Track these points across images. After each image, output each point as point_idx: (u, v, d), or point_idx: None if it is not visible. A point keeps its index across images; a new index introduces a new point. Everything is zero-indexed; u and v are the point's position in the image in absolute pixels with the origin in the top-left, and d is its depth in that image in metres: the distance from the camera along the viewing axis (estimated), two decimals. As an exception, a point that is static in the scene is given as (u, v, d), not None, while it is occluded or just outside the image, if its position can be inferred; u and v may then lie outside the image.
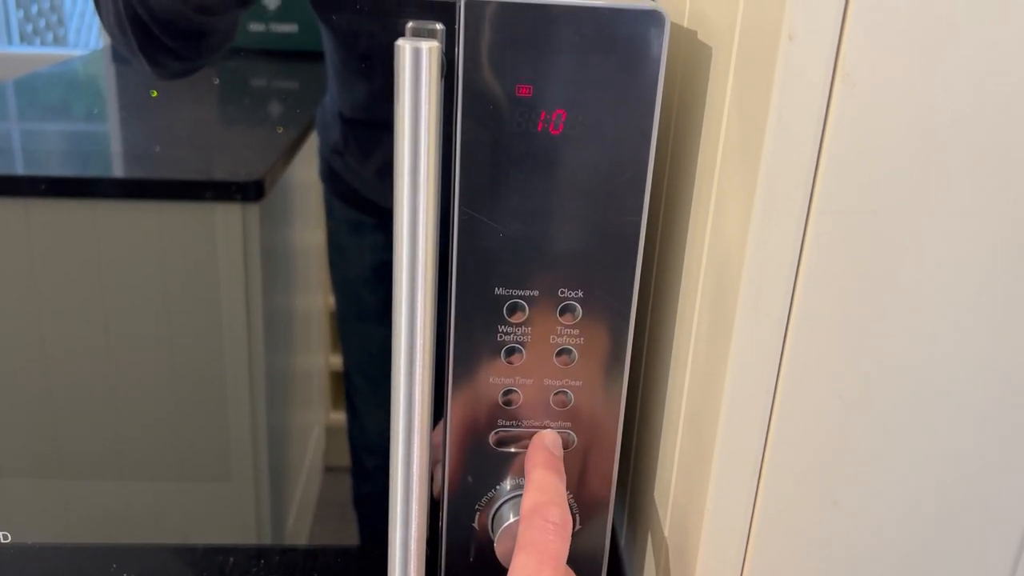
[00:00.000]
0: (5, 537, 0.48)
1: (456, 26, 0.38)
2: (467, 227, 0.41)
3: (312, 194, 0.48)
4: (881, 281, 0.35)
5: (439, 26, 0.39)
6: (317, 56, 0.44)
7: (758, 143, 0.33)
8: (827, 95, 0.32)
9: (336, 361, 0.52)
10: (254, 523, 0.54)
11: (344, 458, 0.53)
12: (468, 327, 0.43)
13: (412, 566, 0.43)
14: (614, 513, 0.47)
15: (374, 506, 0.53)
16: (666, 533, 0.45)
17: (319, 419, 0.52)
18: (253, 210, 0.47)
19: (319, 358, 0.51)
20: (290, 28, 0.44)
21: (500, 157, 0.40)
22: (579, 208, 0.41)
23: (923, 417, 0.37)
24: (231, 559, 0.53)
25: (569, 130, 0.40)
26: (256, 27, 0.44)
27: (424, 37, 0.38)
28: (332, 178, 0.46)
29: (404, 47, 0.35)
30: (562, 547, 0.38)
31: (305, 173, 0.47)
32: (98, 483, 0.52)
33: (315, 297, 0.50)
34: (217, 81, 0.45)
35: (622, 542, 0.55)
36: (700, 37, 0.42)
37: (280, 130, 0.46)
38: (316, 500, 0.53)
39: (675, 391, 0.44)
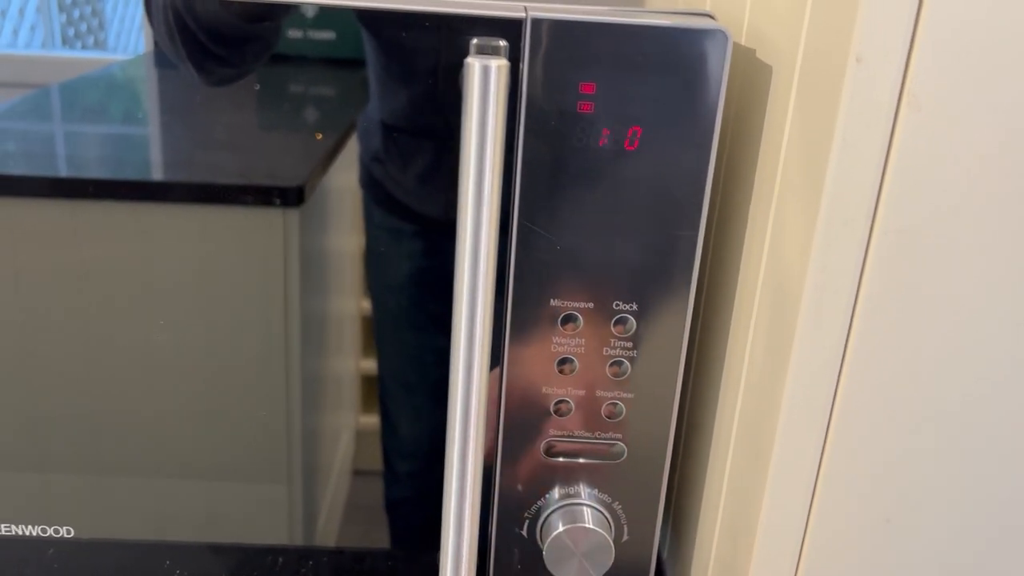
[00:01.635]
0: (69, 532, 0.49)
1: (521, 43, 0.39)
2: (525, 239, 0.42)
3: (347, 200, 0.48)
4: (942, 302, 0.35)
5: (503, 43, 0.40)
6: (354, 63, 0.45)
7: (822, 163, 0.34)
8: (893, 117, 0.33)
9: (367, 366, 0.52)
10: (286, 524, 0.54)
11: (373, 462, 0.53)
12: (523, 337, 0.44)
13: (463, 574, 0.44)
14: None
15: (406, 511, 0.54)
16: (714, 547, 0.46)
17: (349, 423, 0.53)
18: (293, 215, 0.48)
19: (351, 362, 0.52)
20: (328, 35, 0.45)
21: (560, 171, 0.41)
22: (636, 223, 0.42)
23: (979, 437, 0.37)
24: (280, 559, 0.54)
25: (629, 146, 0.40)
26: (295, 34, 0.45)
27: (489, 53, 0.39)
28: (372, 185, 0.47)
29: (474, 64, 0.36)
30: None
31: (341, 179, 0.47)
32: (147, 481, 0.53)
33: (348, 302, 0.50)
34: (258, 87, 0.46)
35: (664, 554, 0.56)
36: (759, 56, 0.43)
37: (319, 136, 0.47)
38: (344, 503, 0.54)
39: (726, 406, 0.45)
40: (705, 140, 0.41)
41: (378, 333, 0.51)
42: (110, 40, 0.48)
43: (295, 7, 0.44)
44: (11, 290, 0.48)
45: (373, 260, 0.49)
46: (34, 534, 0.49)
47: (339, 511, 0.54)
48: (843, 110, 0.33)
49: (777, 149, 0.39)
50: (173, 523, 0.53)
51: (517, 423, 0.46)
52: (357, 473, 0.54)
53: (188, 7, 0.42)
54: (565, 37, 0.39)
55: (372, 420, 0.53)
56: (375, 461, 0.53)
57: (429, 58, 0.42)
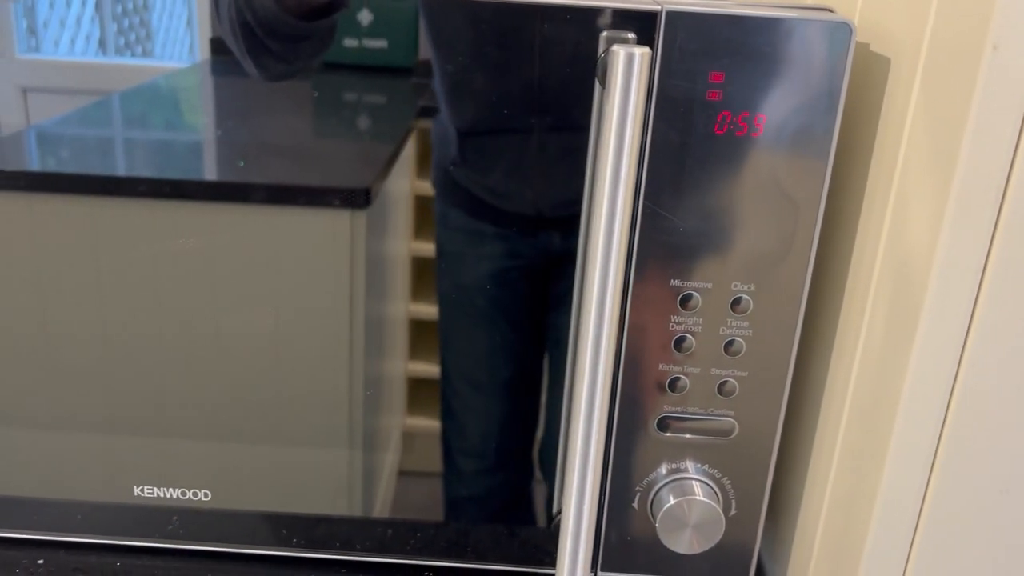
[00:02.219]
0: (207, 496, 0.52)
1: (656, 34, 0.41)
2: (649, 221, 0.44)
3: (400, 205, 0.50)
4: (1064, 281, 0.37)
5: (631, 35, 0.42)
6: (406, 71, 0.47)
7: (953, 150, 0.36)
8: (1026, 103, 0.34)
9: (414, 368, 0.54)
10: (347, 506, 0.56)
11: (419, 463, 0.55)
12: (643, 315, 0.46)
13: (583, 542, 0.46)
14: (767, 500, 0.49)
15: (470, 510, 0.55)
16: (821, 520, 0.47)
17: (398, 424, 0.55)
18: (361, 216, 0.50)
19: (399, 365, 0.54)
20: (381, 44, 0.47)
21: (686, 156, 0.43)
22: (757, 206, 0.44)
23: (1098, 413, 0.38)
24: (389, 531, 0.56)
25: (754, 133, 0.42)
26: (350, 43, 0.46)
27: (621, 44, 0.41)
28: (450, 189, 0.48)
29: (619, 52, 0.38)
30: None
31: (398, 184, 0.49)
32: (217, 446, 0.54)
33: (399, 304, 0.52)
34: (316, 94, 0.47)
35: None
36: (874, 48, 0.45)
37: (376, 142, 0.49)
38: (391, 504, 0.55)
39: (836, 383, 0.46)
40: (827, 129, 0.43)
41: (446, 333, 0.52)
42: (156, 49, 0.50)
43: (344, 6, 0.45)
44: (114, 280, 0.50)
45: (446, 262, 0.50)
46: (173, 496, 0.52)
47: (387, 511, 0.55)
48: (977, 97, 0.34)
49: (897, 137, 0.41)
50: (245, 491, 0.55)
51: (633, 399, 0.48)
52: (403, 474, 0.55)
53: (248, 3, 0.44)
54: (697, 29, 0.41)
55: (418, 423, 0.54)
56: (421, 463, 0.55)
57: (515, 63, 0.43)
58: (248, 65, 0.46)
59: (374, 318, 0.52)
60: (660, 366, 0.47)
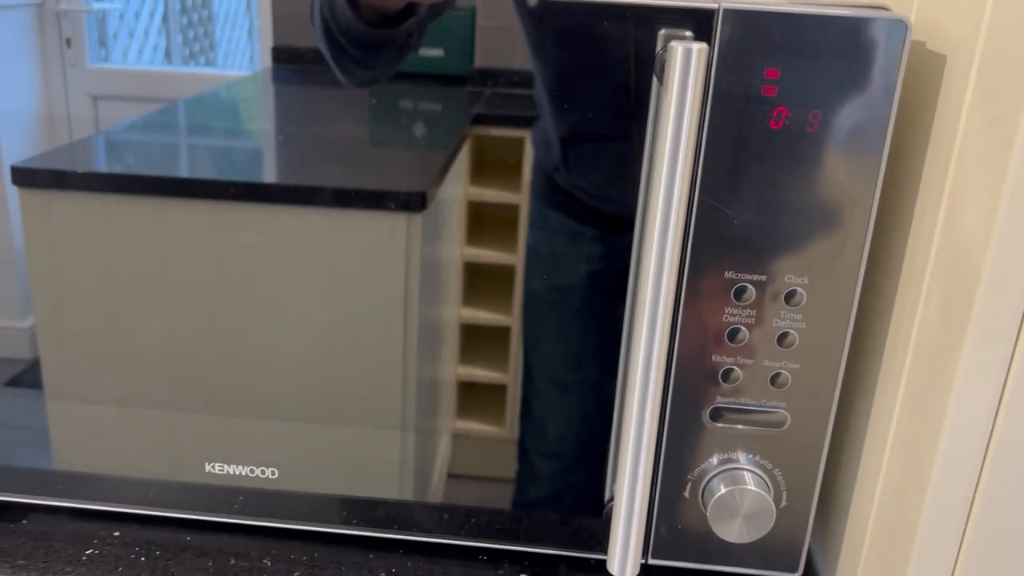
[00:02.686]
0: (274, 473, 0.54)
1: (713, 31, 0.43)
2: (705, 214, 0.45)
3: (454, 211, 0.51)
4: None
5: (688, 33, 0.44)
6: (461, 79, 0.48)
7: (1007, 143, 0.36)
8: (1082, 95, 0.35)
9: (464, 372, 0.55)
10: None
11: (468, 467, 0.56)
12: (697, 306, 0.47)
13: (634, 528, 0.47)
14: (819, 492, 0.50)
15: (543, 511, 0.55)
16: (874, 507, 0.48)
17: (448, 426, 0.56)
18: (416, 219, 0.51)
19: (450, 368, 0.55)
20: (437, 52, 0.48)
21: (741, 151, 0.44)
22: (811, 201, 0.45)
23: None
24: (444, 516, 0.58)
25: (809, 128, 0.43)
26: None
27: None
28: (552, 193, 0.49)
29: (677, 48, 0.40)
30: None
31: (452, 190, 0.50)
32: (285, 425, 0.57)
33: (451, 308, 0.53)
34: (374, 102, 0.49)
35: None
36: (929, 47, 0.45)
37: (431, 149, 0.50)
38: (439, 505, 0.56)
39: (890, 378, 0.47)
40: (880, 124, 0.43)
41: (534, 334, 0.52)
42: (219, 59, 0.52)
43: (412, 17, 0.47)
44: (191, 275, 0.53)
45: (540, 263, 0.50)
46: (242, 473, 0.55)
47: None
48: (1032, 89, 0.35)
49: (952, 132, 0.42)
50: (308, 472, 0.57)
51: (686, 389, 0.49)
52: (452, 476, 0.56)
53: (332, 13, 0.47)
54: (754, 26, 0.42)
55: (467, 425, 0.55)
56: (470, 466, 0.56)
57: (616, 72, 0.45)
58: (335, 71, 0.48)
59: (426, 318, 0.53)
60: (714, 357, 0.48)
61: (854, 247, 0.45)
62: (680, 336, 0.48)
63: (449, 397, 0.55)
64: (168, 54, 0.53)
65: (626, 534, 0.48)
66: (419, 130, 0.50)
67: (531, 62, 0.46)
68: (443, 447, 0.56)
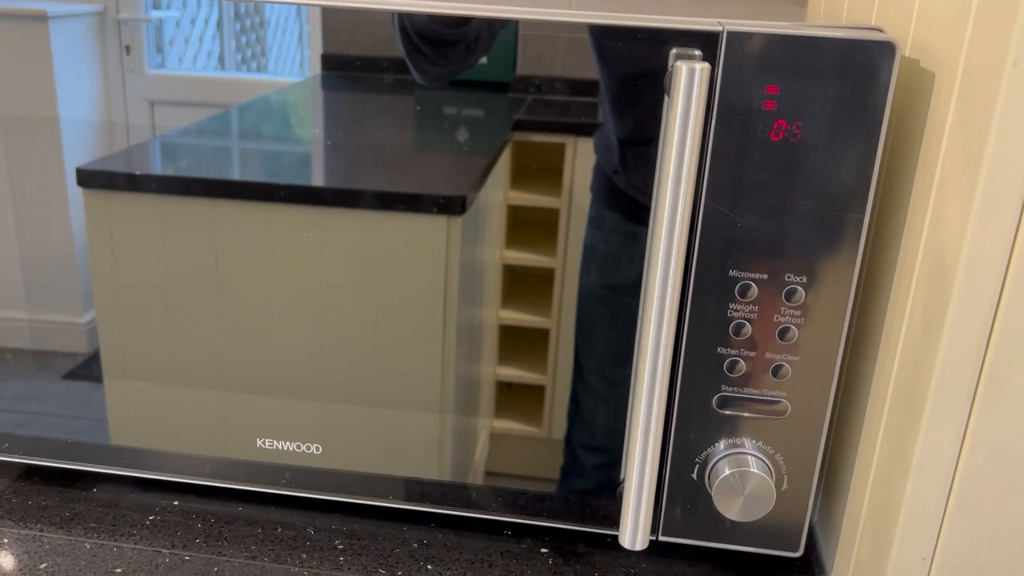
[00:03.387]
0: (319, 449, 0.60)
1: (718, 51, 0.47)
2: (710, 217, 0.50)
3: (494, 215, 0.53)
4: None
5: (698, 52, 0.48)
6: (504, 86, 0.50)
7: (979, 156, 0.40)
8: (1045, 113, 0.38)
9: (503, 372, 0.57)
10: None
11: (505, 465, 0.59)
12: (703, 302, 0.51)
13: (643, 507, 0.51)
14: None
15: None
16: (868, 491, 0.52)
17: (485, 425, 0.58)
18: (456, 223, 0.53)
19: (489, 368, 0.57)
20: (481, 60, 0.50)
21: (744, 159, 0.48)
22: (809, 206, 0.49)
23: (1120, 398, 0.42)
24: (473, 494, 0.62)
25: (806, 139, 0.47)
26: None
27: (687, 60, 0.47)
28: (611, 194, 0.52)
29: (681, 67, 0.44)
30: None
31: (493, 195, 0.53)
32: (327, 406, 0.62)
33: (490, 310, 0.55)
34: (419, 108, 0.51)
35: (815, 511, 0.62)
36: (923, 64, 0.49)
37: (472, 154, 0.51)
38: None
39: (883, 369, 0.51)
40: (873, 137, 0.47)
41: (587, 330, 0.54)
42: (270, 65, 0.54)
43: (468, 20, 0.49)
44: (248, 269, 0.57)
45: (599, 261, 0.53)
46: (289, 448, 0.60)
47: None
48: (999, 110, 0.39)
49: (938, 145, 0.45)
50: (350, 449, 0.62)
51: (694, 378, 0.53)
52: (489, 474, 0.59)
53: (408, 14, 0.50)
54: (755, 46, 0.46)
55: (505, 424, 0.58)
56: (507, 465, 0.59)
57: (651, 78, 0.48)
58: (411, 68, 0.51)
59: (466, 317, 0.56)
60: (719, 349, 0.52)
61: (849, 250, 0.49)
62: (688, 329, 0.52)
63: (488, 396, 0.58)
64: (222, 60, 0.54)
65: (636, 510, 0.52)
66: (461, 136, 0.52)
67: (597, 70, 0.49)
68: (481, 445, 0.59)
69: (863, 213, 0.48)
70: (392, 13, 0.50)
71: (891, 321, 0.50)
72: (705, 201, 0.49)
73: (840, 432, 0.58)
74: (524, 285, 0.56)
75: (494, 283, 0.56)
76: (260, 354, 0.59)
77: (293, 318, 0.58)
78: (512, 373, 0.57)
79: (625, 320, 0.54)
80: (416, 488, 0.60)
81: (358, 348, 0.58)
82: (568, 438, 0.58)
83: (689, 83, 0.44)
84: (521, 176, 0.53)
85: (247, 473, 0.61)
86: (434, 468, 0.60)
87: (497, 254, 0.55)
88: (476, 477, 0.60)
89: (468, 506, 0.60)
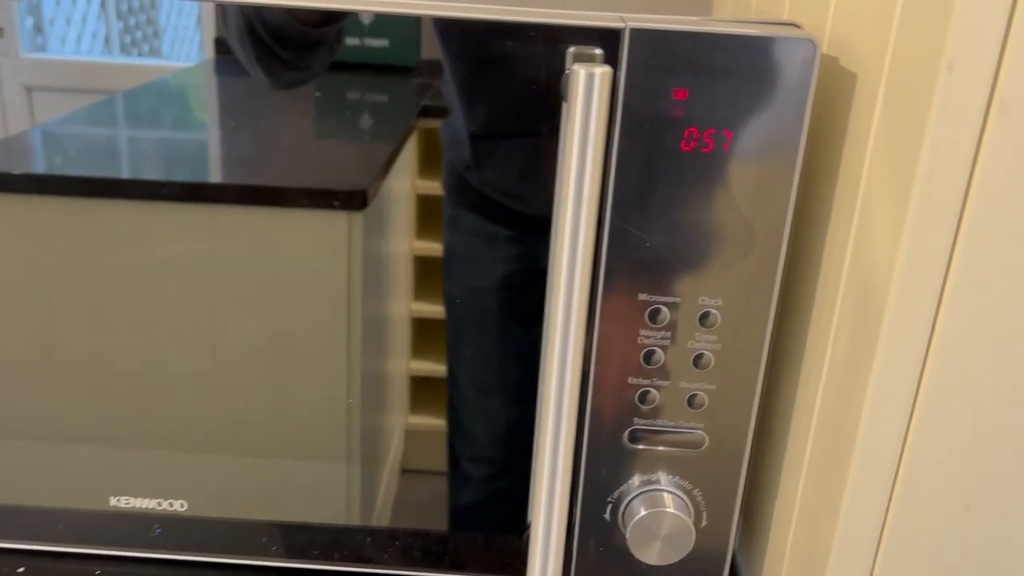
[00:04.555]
0: (183, 506, 0.53)
1: (620, 51, 0.41)
2: (616, 236, 0.44)
3: (401, 206, 0.50)
4: (1020, 301, 0.37)
5: (599, 51, 0.43)
6: (407, 71, 0.47)
7: (911, 166, 0.36)
8: (982, 123, 0.34)
9: (416, 367, 0.54)
10: (344, 509, 0.56)
11: (422, 461, 0.55)
12: (612, 329, 0.46)
13: (552, 554, 0.46)
14: (739, 512, 0.50)
15: (477, 514, 0.55)
16: (791, 532, 0.48)
17: (400, 423, 0.55)
18: (357, 218, 0.50)
19: (402, 364, 0.54)
20: (382, 43, 0.46)
21: (651, 172, 0.43)
22: (723, 222, 0.44)
23: (1059, 430, 0.38)
24: (368, 538, 0.57)
25: (718, 149, 0.42)
26: (352, 42, 0.46)
27: (586, 61, 0.41)
28: (463, 191, 0.48)
29: (579, 72, 0.38)
30: None
31: (400, 184, 0.49)
32: (217, 458, 0.54)
33: (400, 304, 0.52)
34: (318, 94, 0.47)
35: (735, 543, 0.58)
36: (843, 63, 0.45)
37: (376, 142, 0.48)
38: (394, 500, 0.55)
39: (806, 396, 0.47)
40: (792, 144, 0.43)
41: (455, 338, 0.51)
42: (164, 48, 0.50)
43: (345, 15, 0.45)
44: (101, 283, 0.51)
45: (456, 265, 0.49)
46: (150, 507, 0.53)
47: (388, 507, 0.55)
48: (933, 116, 0.35)
49: (862, 152, 0.41)
50: (234, 501, 0.55)
51: (603, 412, 0.48)
52: (405, 472, 0.56)
53: (257, 12, 0.44)
54: (660, 45, 0.41)
55: (421, 421, 0.55)
56: (424, 460, 0.55)
57: (530, 67, 0.44)
58: (257, 73, 0.46)
59: (373, 318, 0.52)
60: (630, 379, 0.47)
61: (768, 269, 0.45)
62: (596, 359, 0.47)
63: (402, 393, 0.54)
64: (108, 42, 0.50)
65: (544, 558, 0.47)
66: (363, 124, 0.48)
67: (441, 54, 0.44)
68: (395, 444, 0.55)
69: (782, 228, 0.44)
70: (227, 15, 0.43)
71: (813, 346, 0.46)
72: (610, 219, 0.44)
73: (759, 464, 0.54)
74: (436, 276, 0.51)
75: (405, 276, 0.51)
76: (130, 388, 0.52)
77: (170, 341, 0.51)
78: (426, 367, 0.54)
79: (491, 327, 0.50)
80: (304, 537, 0.54)
81: (248, 371, 0.52)
82: (451, 450, 0.54)
83: (588, 89, 0.38)
84: (429, 164, 0.49)
85: (105, 533, 0.54)
86: (343, 503, 0.55)
87: (407, 246, 0.51)
88: (392, 478, 0.55)
89: (359, 559, 0.54)
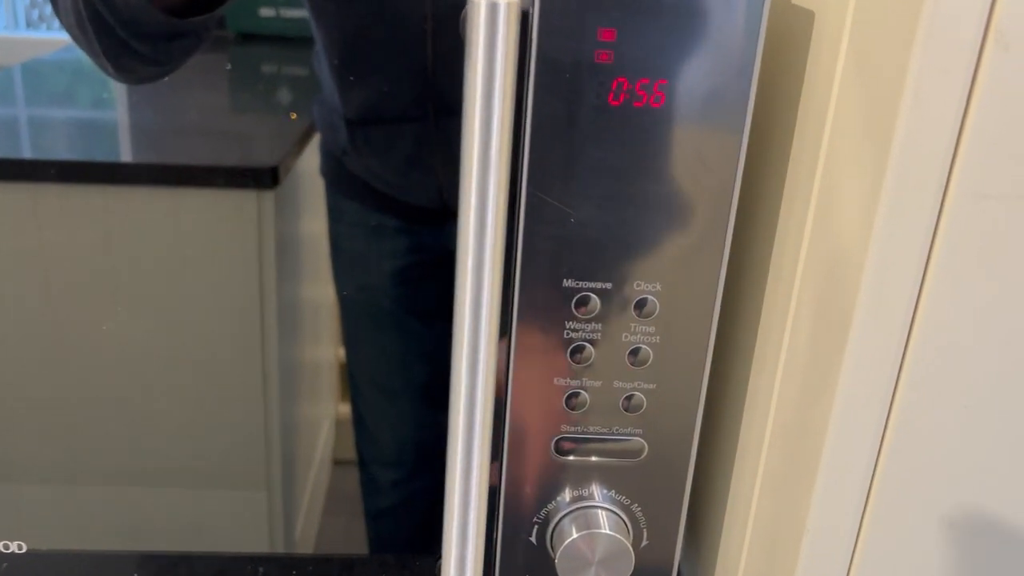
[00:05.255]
0: (20, 547, 0.44)
1: (532, -17, 0.34)
2: (535, 211, 0.37)
3: (318, 184, 0.47)
4: (1019, 280, 0.30)
5: (507, -17, 0.35)
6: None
7: (889, 120, 0.29)
8: (975, 60, 0.28)
9: (344, 354, 0.50)
10: (267, 524, 0.53)
11: (353, 452, 0.52)
12: (532, 322, 0.39)
13: (465, 587, 0.39)
14: (684, 528, 0.43)
15: (391, 520, 0.51)
16: (744, 552, 0.41)
17: (329, 412, 0.52)
18: (268, 197, 0.46)
19: (328, 350, 0.50)
20: (300, 13, 0.43)
21: (575, 132, 0.36)
22: (661, 191, 0.37)
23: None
24: (260, 568, 0.50)
25: (655, 103, 0.35)
26: (267, 12, 0.43)
27: (492, -4, 0.34)
28: (343, 179, 0.44)
29: (479, 4, 0.31)
30: None
31: (312, 163, 0.46)
32: (112, 488, 0.50)
33: (324, 288, 0.49)
34: (229, 67, 0.45)
35: (680, 564, 0.51)
36: (795, 1, 0.38)
37: (293, 116, 0.45)
38: (325, 492, 0.53)
39: (758, 399, 0.40)
40: (740, 97, 0.36)
41: (352, 336, 0.47)
42: None
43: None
44: None
45: (343, 259, 0.45)
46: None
47: (320, 500, 0.52)
48: (917, 51, 0.28)
49: (823, 106, 0.35)
50: (145, 532, 0.50)
51: (525, 418, 0.41)
52: (338, 463, 0.52)
53: (105, 1, 0.37)
54: (582, -24, 0.34)
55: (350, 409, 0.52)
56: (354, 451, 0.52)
57: (414, 32, 0.37)
58: (104, 65, 0.39)
59: (290, 304, 0.48)
60: (555, 380, 0.40)
61: (713, 248, 0.38)
62: (514, 358, 0.40)
63: (330, 382, 0.51)
64: (14, 17, 0.49)
65: (458, 597, 0.40)
66: (279, 98, 0.46)
67: (313, 31, 0.37)
68: (324, 434, 0.52)
69: (729, 200, 0.37)
70: (58, 3, 0.37)
71: (766, 339, 0.39)
72: (527, 190, 0.37)
73: (705, 474, 0.47)
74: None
75: (325, 259, 0.48)
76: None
77: (61, 338, 0.48)
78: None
79: (387, 325, 0.46)
80: (184, 569, 0.47)
81: (148, 372, 0.49)
82: (360, 454, 0.51)
83: (491, 25, 0.31)
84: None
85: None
86: (265, 528, 0.52)
87: (324, 227, 0.47)
88: (324, 469, 0.52)
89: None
